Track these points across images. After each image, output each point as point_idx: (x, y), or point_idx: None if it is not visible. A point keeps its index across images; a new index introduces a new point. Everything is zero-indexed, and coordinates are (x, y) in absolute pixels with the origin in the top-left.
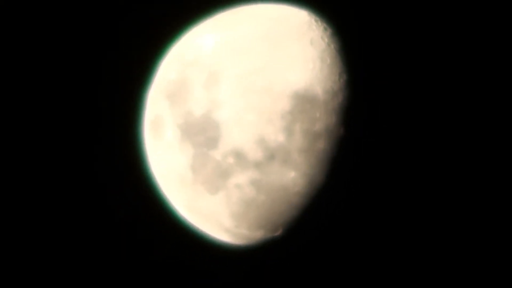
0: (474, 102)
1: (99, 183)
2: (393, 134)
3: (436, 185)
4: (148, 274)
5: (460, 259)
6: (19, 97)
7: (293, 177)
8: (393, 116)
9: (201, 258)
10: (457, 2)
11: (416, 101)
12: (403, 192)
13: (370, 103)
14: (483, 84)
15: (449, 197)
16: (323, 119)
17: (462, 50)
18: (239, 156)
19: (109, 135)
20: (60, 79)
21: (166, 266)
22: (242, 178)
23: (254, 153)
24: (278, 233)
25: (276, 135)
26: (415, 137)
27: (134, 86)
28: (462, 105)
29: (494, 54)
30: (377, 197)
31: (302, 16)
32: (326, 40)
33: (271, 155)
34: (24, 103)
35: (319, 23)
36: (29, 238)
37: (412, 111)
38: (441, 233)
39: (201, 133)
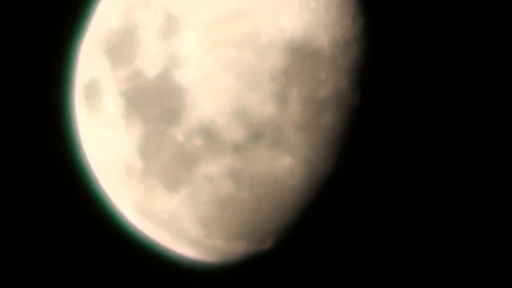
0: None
1: (14, 176)
2: (426, 103)
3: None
4: None
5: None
6: None
7: (288, 165)
8: (427, 78)
9: (156, 281)
10: None
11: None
12: (435, 189)
13: (397, 59)
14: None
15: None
16: (330, 82)
17: None
18: (210, 136)
19: (26, 107)
20: None
21: None
22: (214, 168)
23: (232, 131)
24: (266, 245)
25: (263, 106)
26: (452, 110)
27: (60, 38)
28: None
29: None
30: (403, 194)
31: None
32: None
33: (257, 134)
34: None
35: None
36: None
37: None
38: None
39: (155, 104)
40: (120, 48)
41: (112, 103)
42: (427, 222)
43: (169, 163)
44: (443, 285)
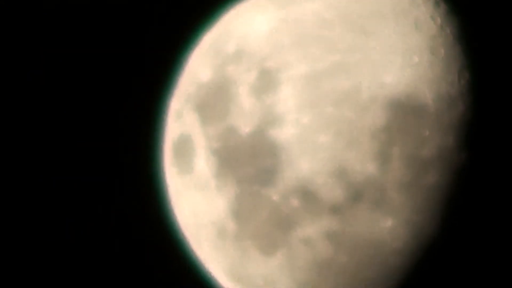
0: None
1: (101, 236)
2: None
3: None
4: None
5: None
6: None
7: (390, 227)
8: None
9: None
10: None
11: None
12: None
13: (506, 115)
14: None
15: None
16: (435, 140)
17: None
18: (307, 196)
19: (114, 163)
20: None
21: None
22: (312, 230)
23: (331, 191)
24: None
25: (363, 164)
26: None
27: (149, 93)
28: None
29: None
30: None
31: None
32: (438, 21)
33: (357, 194)
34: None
35: None
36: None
37: None
38: None
39: (250, 162)
40: (212, 104)
41: (203, 162)
42: None
43: (264, 225)
44: None
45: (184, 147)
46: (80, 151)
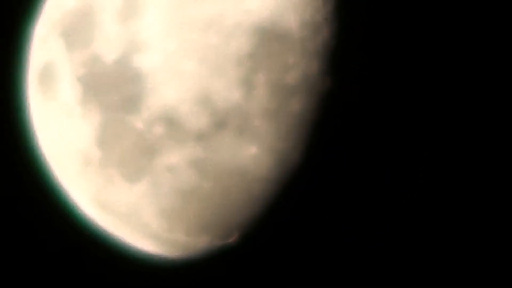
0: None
1: None
2: (401, 88)
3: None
4: None
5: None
6: None
7: (254, 155)
8: (401, 63)
9: (115, 277)
10: None
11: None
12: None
13: (370, 42)
14: None
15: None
16: (299, 66)
17: None
18: (172, 123)
19: None
20: None
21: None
22: (177, 157)
23: (195, 118)
24: (231, 239)
25: (228, 91)
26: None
27: (12, 20)
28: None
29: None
30: (375, 185)
31: None
32: None
33: (221, 121)
34: None
35: None
36: None
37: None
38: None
39: (114, 90)
40: (76, 31)
41: (68, 89)
42: (404, 216)
43: (128, 152)
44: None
45: (49, 74)
46: None
